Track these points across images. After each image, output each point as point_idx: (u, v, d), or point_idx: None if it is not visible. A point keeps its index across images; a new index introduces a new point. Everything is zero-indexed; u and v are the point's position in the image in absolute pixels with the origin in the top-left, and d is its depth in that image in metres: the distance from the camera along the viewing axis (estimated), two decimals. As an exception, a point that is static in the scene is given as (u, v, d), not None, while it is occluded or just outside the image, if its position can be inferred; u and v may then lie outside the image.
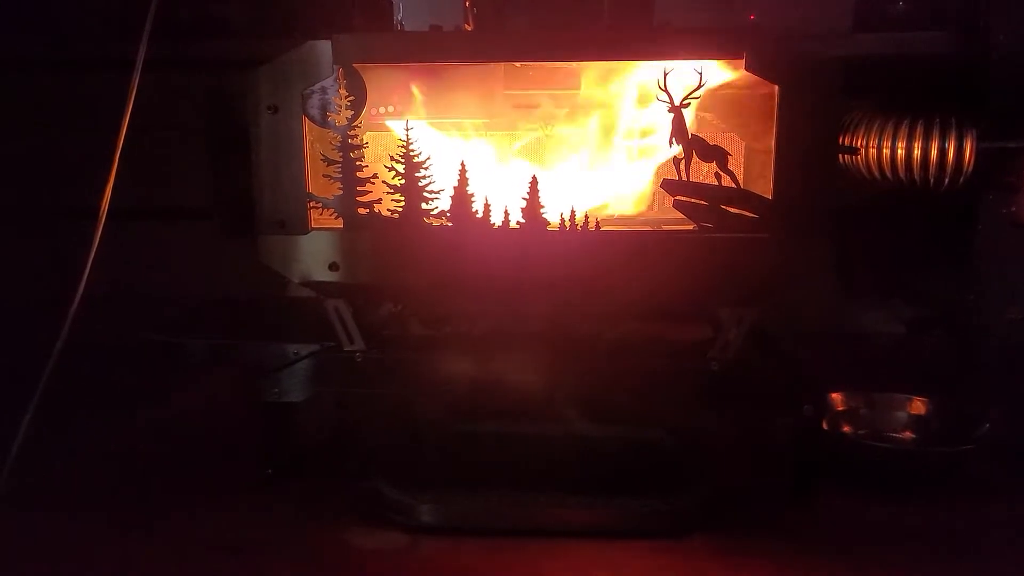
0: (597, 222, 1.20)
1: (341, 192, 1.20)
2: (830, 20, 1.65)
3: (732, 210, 1.19)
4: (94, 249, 1.22)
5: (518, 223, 1.20)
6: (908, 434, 1.39)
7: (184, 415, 1.55)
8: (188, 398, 1.60)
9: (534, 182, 1.18)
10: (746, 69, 1.14)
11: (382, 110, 1.29)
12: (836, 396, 1.42)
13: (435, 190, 1.20)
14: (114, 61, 1.25)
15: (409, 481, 1.19)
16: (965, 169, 1.24)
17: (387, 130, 1.32)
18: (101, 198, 1.24)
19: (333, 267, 1.23)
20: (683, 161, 1.21)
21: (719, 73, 1.20)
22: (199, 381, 1.61)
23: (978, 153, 1.23)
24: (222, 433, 1.46)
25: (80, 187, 1.26)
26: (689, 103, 1.19)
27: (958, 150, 1.25)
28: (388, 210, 1.21)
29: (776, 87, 1.15)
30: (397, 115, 1.29)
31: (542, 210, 1.19)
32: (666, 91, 1.18)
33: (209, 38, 1.76)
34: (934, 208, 1.43)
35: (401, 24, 1.30)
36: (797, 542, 1.16)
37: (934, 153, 1.25)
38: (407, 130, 1.19)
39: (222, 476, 1.33)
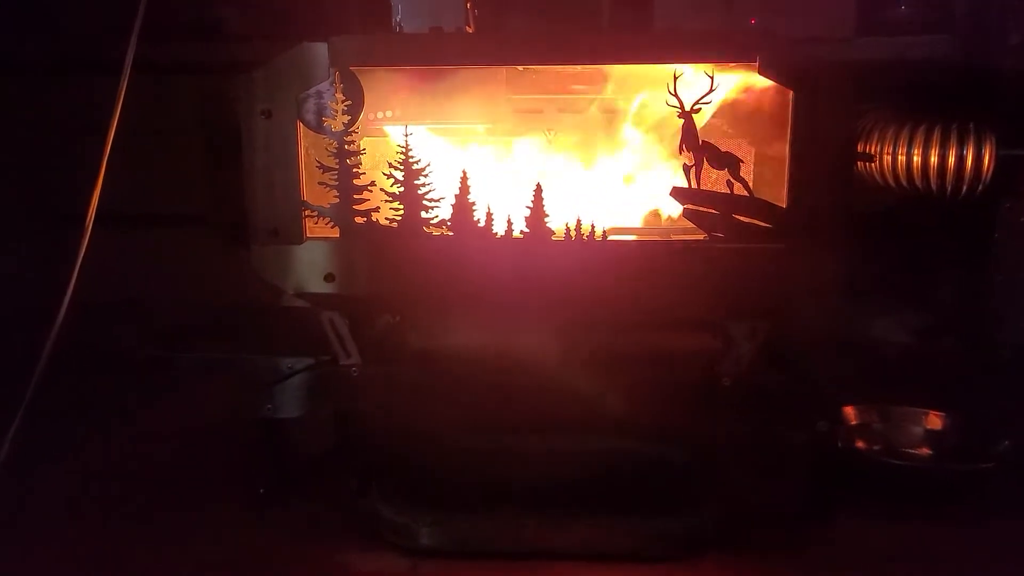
0: (604, 232, 1.17)
1: (337, 200, 1.18)
2: (831, 25, 1.63)
3: (744, 219, 1.16)
4: (80, 257, 1.21)
5: (522, 232, 1.17)
6: (924, 449, 1.36)
7: (174, 430, 1.52)
8: (179, 413, 1.57)
9: (538, 190, 1.16)
10: (759, 73, 1.12)
11: (380, 115, 1.26)
12: (849, 410, 1.38)
13: (435, 198, 1.18)
14: (106, 65, 1.23)
15: (408, 501, 1.16)
16: (984, 177, 1.21)
17: (385, 136, 1.28)
18: (88, 204, 1.21)
19: (329, 278, 1.20)
20: (693, 168, 1.18)
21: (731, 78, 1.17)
22: (190, 395, 1.59)
23: (998, 160, 1.20)
24: (213, 449, 1.42)
25: (71, 193, 1.24)
26: (700, 108, 1.15)
27: (976, 157, 1.21)
28: (386, 219, 1.18)
29: (791, 92, 1.11)
30: (396, 120, 1.26)
31: (546, 219, 1.16)
32: (676, 96, 1.15)
33: (202, 41, 1.74)
34: (951, 216, 1.40)
35: (400, 26, 1.27)
36: (812, 562, 1.13)
37: (952, 160, 1.22)
38: (406, 136, 1.16)
39: (214, 495, 1.29)
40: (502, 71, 1.26)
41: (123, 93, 1.22)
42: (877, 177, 1.29)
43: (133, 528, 1.21)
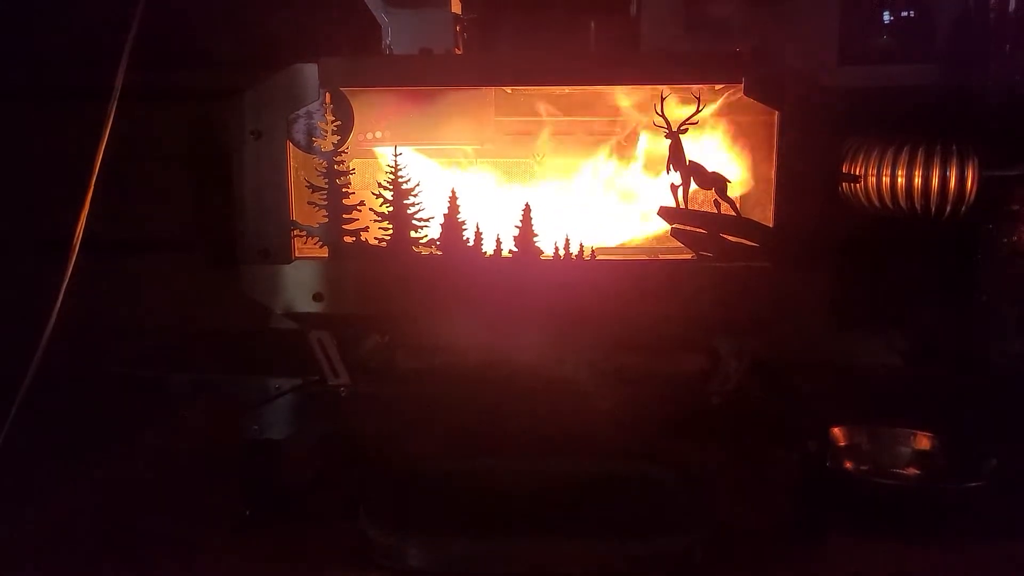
0: (592, 251, 1.17)
1: (326, 220, 1.18)
2: (816, 54, 1.65)
3: (731, 238, 1.16)
4: (66, 281, 1.21)
5: (510, 252, 1.17)
6: (911, 470, 1.36)
7: (160, 453, 1.50)
8: (165, 435, 1.55)
9: (527, 209, 1.16)
10: (745, 94, 1.13)
11: (370, 136, 1.26)
12: (837, 431, 1.38)
13: (424, 218, 1.18)
14: (95, 90, 1.23)
15: (397, 522, 1.14)
16: (967, 198, 1.22)
17: (375, 156, 1.29)
18: (75, 229, 1.21)
19: (317, 297, 1.20)
20: (681, 188, 1.18)
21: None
22: (176, 417, 1.57)
23: (980, 181, 1.21)
24: (200, 472, 1.40)
25: (59, 218, 1.24)
26: (687, 129, 1.16)
27: (960, 178, 1.22)
28: (375, 238, 1.18)
29: (776, 113, 1.13)
30: (385, 141, 1.26)
31: (535, 238, 1.17)
32: (663, 117, 1.16)
33: (192, 65, 1.74)
34: (935, 237, 1.41)
35: (390, 48, 1.28)
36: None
37: (935, 181, 1.23)
38: (396, 156, 1.17)
39: (199, 517, 1.27)
40: (490, 93, 1.27)
41: (111, 119, 1.22)
42: (862, 198, 1.30)
43: (117, 550, 1.18)
